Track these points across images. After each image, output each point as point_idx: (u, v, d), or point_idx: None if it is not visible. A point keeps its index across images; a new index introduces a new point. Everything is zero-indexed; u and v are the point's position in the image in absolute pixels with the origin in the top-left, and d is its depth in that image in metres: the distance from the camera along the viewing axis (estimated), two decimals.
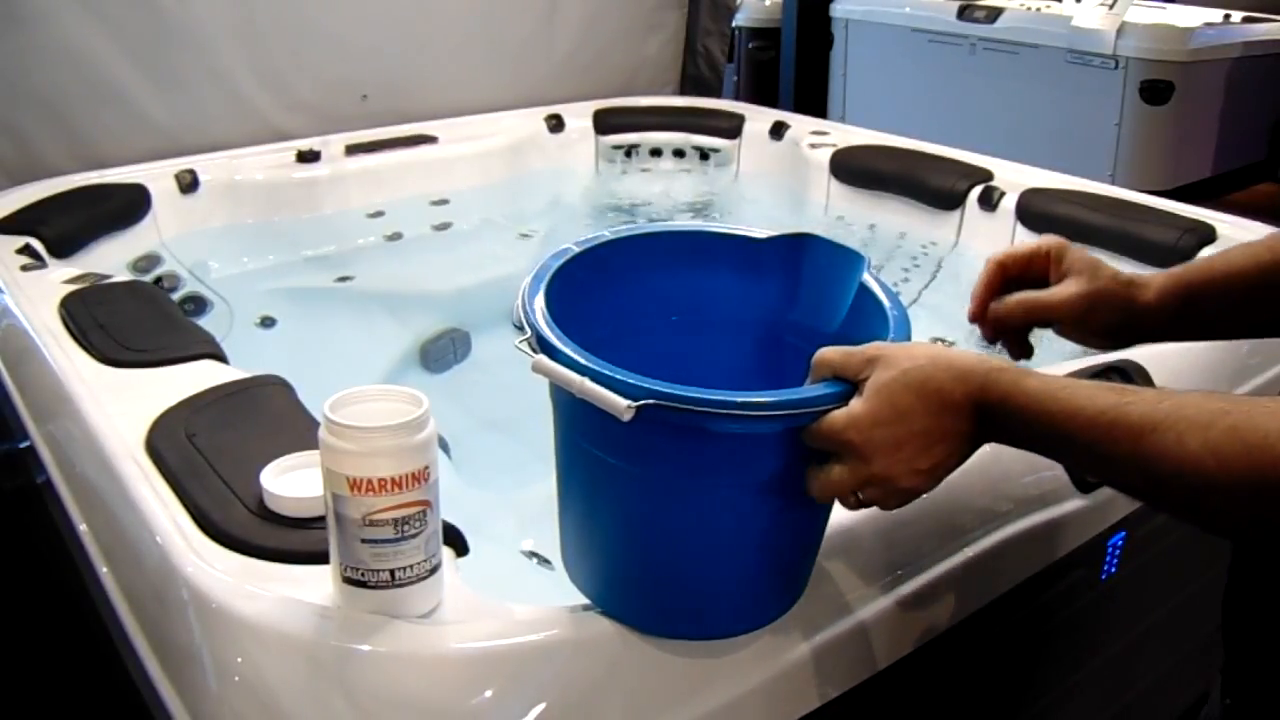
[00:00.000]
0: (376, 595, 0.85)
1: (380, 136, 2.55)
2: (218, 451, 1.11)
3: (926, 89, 4.37)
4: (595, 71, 2.97)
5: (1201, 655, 0.91)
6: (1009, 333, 1.01)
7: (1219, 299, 0.94)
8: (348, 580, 0.86)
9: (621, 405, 0.76)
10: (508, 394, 1.86)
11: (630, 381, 0.77)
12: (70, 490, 1.29)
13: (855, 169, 2.52)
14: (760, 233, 1.03)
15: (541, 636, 0.88)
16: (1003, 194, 2.21)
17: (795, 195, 2.65)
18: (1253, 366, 1.50)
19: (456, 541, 0.98)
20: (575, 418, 0.85)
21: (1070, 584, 1.23)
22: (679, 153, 2.87)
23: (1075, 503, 1.19)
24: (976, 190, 2.27)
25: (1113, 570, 1.29)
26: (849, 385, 0.81)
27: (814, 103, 4.66)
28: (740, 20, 4.89)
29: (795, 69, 4.73)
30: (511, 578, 1.33)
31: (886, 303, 0.92)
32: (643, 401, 0.76)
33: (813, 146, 2.63)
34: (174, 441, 1.14)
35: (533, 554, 1.40)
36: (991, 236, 2.20)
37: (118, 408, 1.24)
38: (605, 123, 2.86)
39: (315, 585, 0.90)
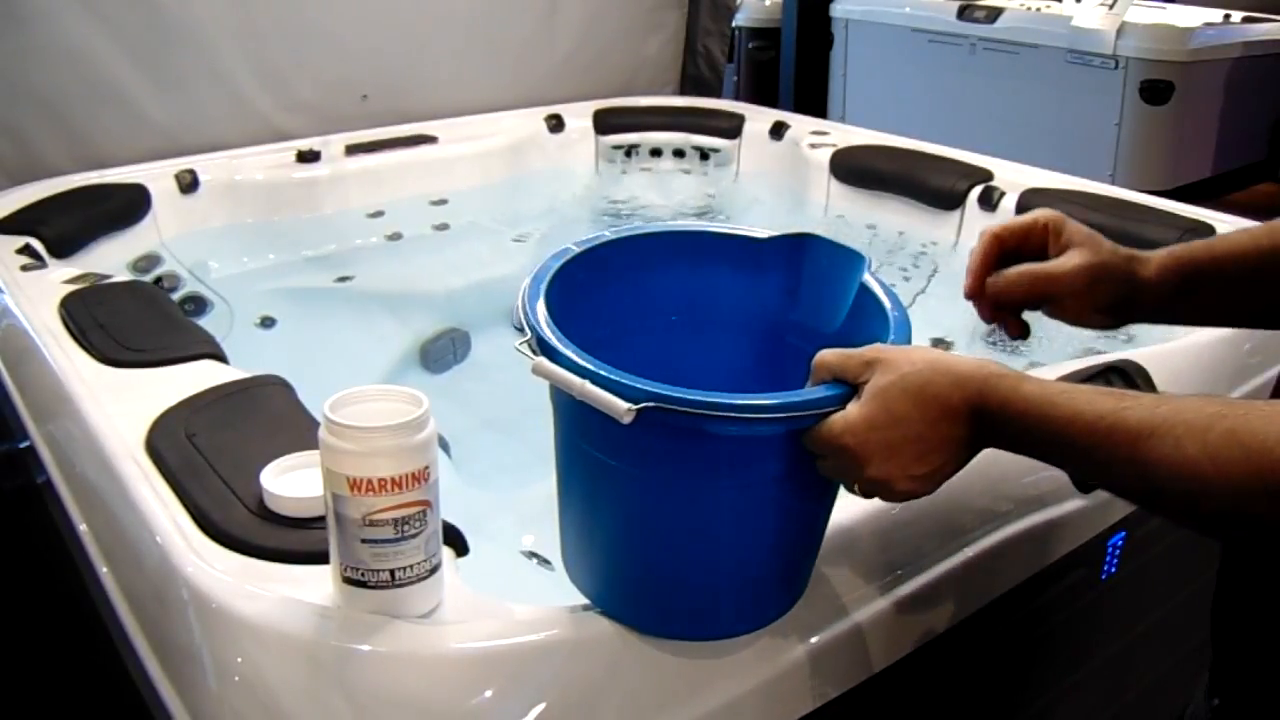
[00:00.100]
0: (376, 595, 0.85)
1: (380, 136, 2.55)
2: (218, 451, 1.11)
3: (926, 89, 4.36)
4: (595, 71, 2.97)
5: (1201, 655, 0.92)
6: (1007, 310, 0.98)
7: (1218, 279, 0.93)
8: (348, 580, 0.86)
9: (622, 408, 0.76)
10: (507, 394, 1.86)
11: (630, 384, 0.77)
12: (70, 490, 1.29)
13: (855, 169, 2.52)
14: (760, 233, 1.03)
15: (541, 636, 0.88)
16: (1003, 194, 2.21)
17: (795, 195, 2.65)
18: (1253, 366, 1.50)
19: (456, 541, 0.98)
20: (575, 419, 0.85)
21: (1070, 584, 1.23)
22: (679, 153, 2.87)
23: (1075, 503, 1.19)
24: (976, 190, 2.27)
25: (1113, 570, 1.29)
26: (849, 388, 0.81)
27: (814, 103, 4.66)
28: (740, 20, 4.89)
29: (795, 69, 4.73)
30: (511, 578, 1.34)
31: (887, 304, 0.92)
32: (643, 404, 0.76)
33: (813, 146, 2.63)
34: (174, 441, 1.14)
35: (533, 554, 1.40)
36: None
37: (118, 408, 1.24)
38: (605, 123, 2.86)
39: (315, 585, 0.90)
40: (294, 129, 2.48)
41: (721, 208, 2.75)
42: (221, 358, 1.40)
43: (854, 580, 1.01)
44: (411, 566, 0.85)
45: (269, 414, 1.21)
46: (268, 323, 2.10)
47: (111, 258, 2.00)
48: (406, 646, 0.85)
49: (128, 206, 2.13)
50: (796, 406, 0.79)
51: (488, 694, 0.84)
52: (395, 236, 2.48)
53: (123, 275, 1.86)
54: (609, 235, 1.00)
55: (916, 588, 1.04)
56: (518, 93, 2.82)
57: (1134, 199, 2.05)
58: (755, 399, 0.78)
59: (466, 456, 1.72)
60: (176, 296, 2.04)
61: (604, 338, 0.86)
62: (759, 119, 2.83)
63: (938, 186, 2.34)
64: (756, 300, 1.03)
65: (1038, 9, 4.13)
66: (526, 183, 2.73)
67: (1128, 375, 1.29)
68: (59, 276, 1.67)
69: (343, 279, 2.31)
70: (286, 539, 0.97)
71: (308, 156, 2.43)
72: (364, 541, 0.83)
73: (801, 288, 1.01)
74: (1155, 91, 3.73)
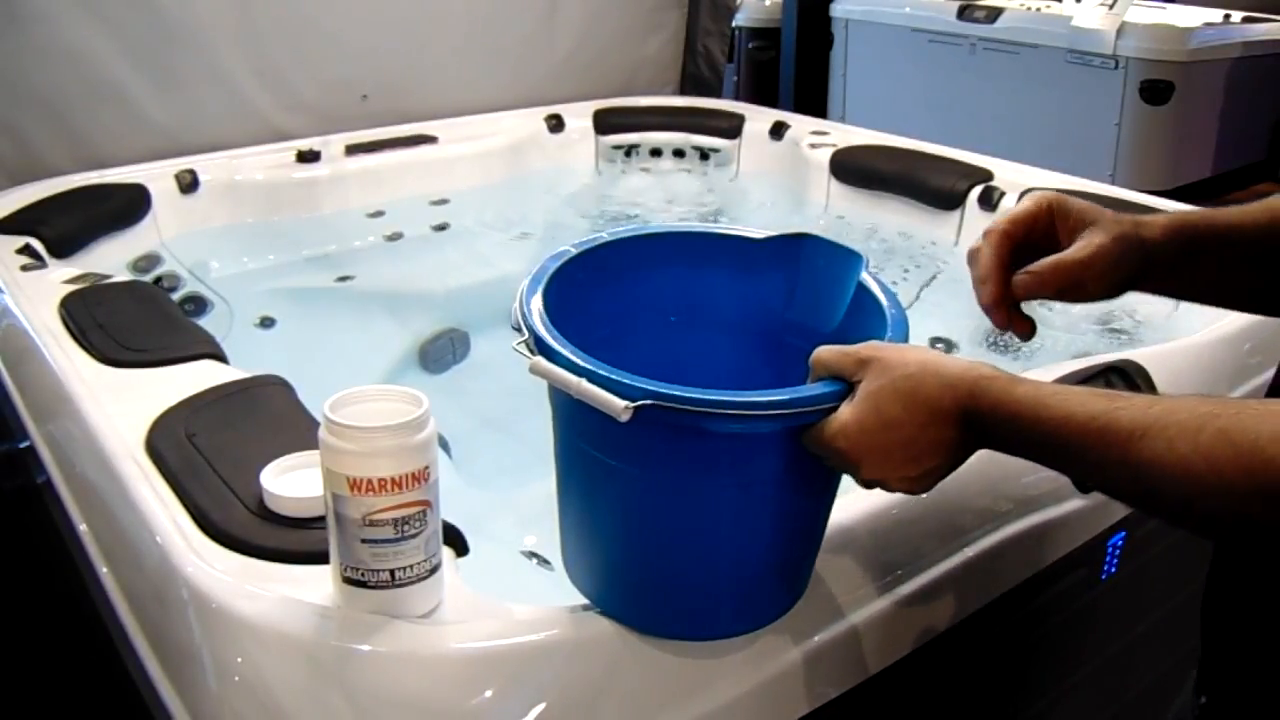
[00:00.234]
0: (376, 595, 0.85)
1: (380, 136, 2.55)
2: (218, 451, 1.11)
3: (926, 89, 4.36)
4: (595, 71, 2.97)
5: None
6: (1019, 311, 0.92)
7: (1217, 247, 0.91)
8: (348, 580, 0.86)
9: (619, 406, 0.76)
10: (507, 394, 1.86)
11: (627, 382, 0.77)
12: (70, 490, 1.29)
13: (855, 169, 2.52)
14: (758, 233, 1.03)
15: (541, 636, 0.88)
16: (1003, 194, 2.21)
17: (795, 195, 2.65)
18: (1253, 366, 1.50)
19: (456, 541, 0.98)
20: (573, 419, 0.85)
21: (1070, 584, 1.23)
22: (679, 153, 2.87)
23: (1075, 503, 1.19)
24: (976, 190, 2.27)
25: (1113, 570, 1.29)
26: (845, 385, 0.81)
27: (814, 103, 4.66)
28: (740, 20, 4.89)
29: (795, 69, 4.72)
30: (511, 578, 1.34)
31: (885, 302, 0.92)
32: (640, 402, 0.76)
33: (813, 146, 2.63)
34: (174, 441, 1.14)
35: (533, 554, 1.40)
36: None
37: (118, 408, 1.24)
38: (605, 123, 2.86)
39: (315, 585, 0.90)
40: (294, 129, 2.48)
41: (721, 208, 2.75)
42: (221, 358, 1.40)
43: (853, 580, 1.01)
44: (411, 566, 0.85)
45: (269, 414, 1.21)
46: (267, 323, 2.10)
47: (111, 258, 2.00)
48: (406, 646, 0.85)
49: (128, 206, 2.13)
50: (792, 404, 0.80)
51: (488, 694, 0.84)
52: (395, 236, 2.48)
53: (123, 275, 1.86)
54: (606, 237, 1.01)
55: (916, 588, 1.04)
56: (518, 93, 2.82)
57: (1134, 199, 2.05)
58: (751, 396, 0.78)
59: (466, 456, 1.72)
60: (176, 296, 2.04)
61: (602, 339, 0.86)
62: (759, 119, 2.83)
63: (938, 186, 2.34)
64: (755, 300, 1.03)
65: (1038, 9, 4.13)
66: (526, 183, 2.72)
67: (1128, 375, 1.28)
68: (59, 276, 1.67)
69: (343, 279, 2.31)
70: (286, 539, 0.97)
71: (308, 156, 2.43)
72: (364, 541, 0.83)
73: (799, 287, 1.01)
74: (1155, 91, 3.73)
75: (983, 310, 0.90)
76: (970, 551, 1.09)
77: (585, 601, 0.92)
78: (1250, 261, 0.90)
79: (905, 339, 0.87)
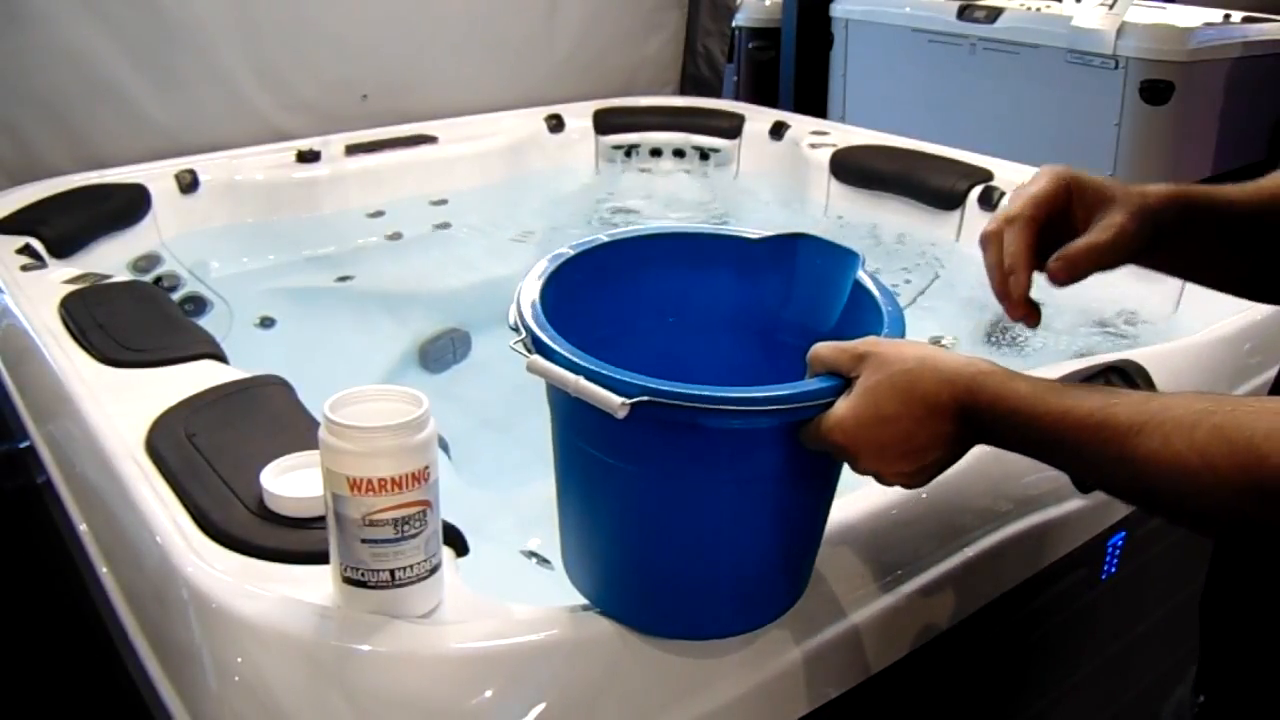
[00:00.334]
0: (376, 595, 0.85)
1: (380, 136, 2.55)
2: (218, 451, 1.11)
3: (926, 89, 4.36)
4: (595, 71, 2.97)
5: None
6: (1030, 299, 0.86)
7: (1212, 219, 0.89)
8: (348, 580, 0.86)
9: (616, 402, 0.76)
10: (507, 394, 1.86)
11: (624, 379, 0.77)
12: (70, 490, 1.29)
13: (855, 169, 2.52)
14: (755, 233, 1.03)
15: (541, 636, 0.88)
16: (1003, 194, 2.21)
17: (795, 195, 2.65)
18: (1252, 366, 1.50)
19: (456, 541, 0.98)
20: (571, 418, 0.86)
21: (1070, 584, 1.23)
22: (679, 153, 2.87)
23: (1075, 503, 1.19)
24: (976, 190, 2.27)
25: (1113, 570, 1.29)
26: (842, 380, 0.81)
27: (814, 103, 4.65)
28: (740, 20, 4.89)
29: (795, 69, 4.72)
30: (511, 578, 1.33)
31: (881, 299, 0.92)
32: (637, 398, 0.76)
33: (813, 146, 2.63)
34: (174, 441, 1.14)
35: (533, 554, 1.40)
36: None
37: (118, 408, 1.24)
38: (605, 123, 2.86)
39: (315, 585, 0.90)
40: (294, 129, 2.48)
41: (721, 208, 2.75)
42: (221, 358, 1.40)
43: (853, 580, 1.01)
44: (411, 566, 0.85)
45: (269, 414, 1.21)
46: (267, 323, 2.10)
47: (111, 258, 2.00)
48: (406, 646, 0.85)
49: (128, 206, 2.13)
50: (789, 399, 0.80)
51: (488, 694, 0.84)
52: (395, 236, 2.48)
53: (123, 275, 1.87)
54: (604, 238, 1.01)
55: (916, 588, 1.04)
56: (518, 93, 2.82)
57: None
58: (748, 391, 0.78)
59: (466, 456, 1.72)
60: (176, 296, 2.04)
61: (600, 340, 0.86)
62: (759, 119, 2.83)
63: (938, 186, 2.34)
64: (752, 300, 1.03)
65: (1038, 9, 4.13)
66: (526, 183, 2.72)
67: (1128, 375, 1.28)
68: (59, 276, 1.67)
69: (342, 279, 2.31)
70: (286, 539, 0.97)
71: (308, 156, 2.43)
72: (364, 541, 0.83)
73: (796, 286, 1.01)
74: (1155, 91, 3.72)
75: (1002, 298, 0.85)
76: (970, 551, 1.09)
77: (585, 601, 0.92)
78: (1240, 236, 0.89)
79: (902, 334, 0.87)
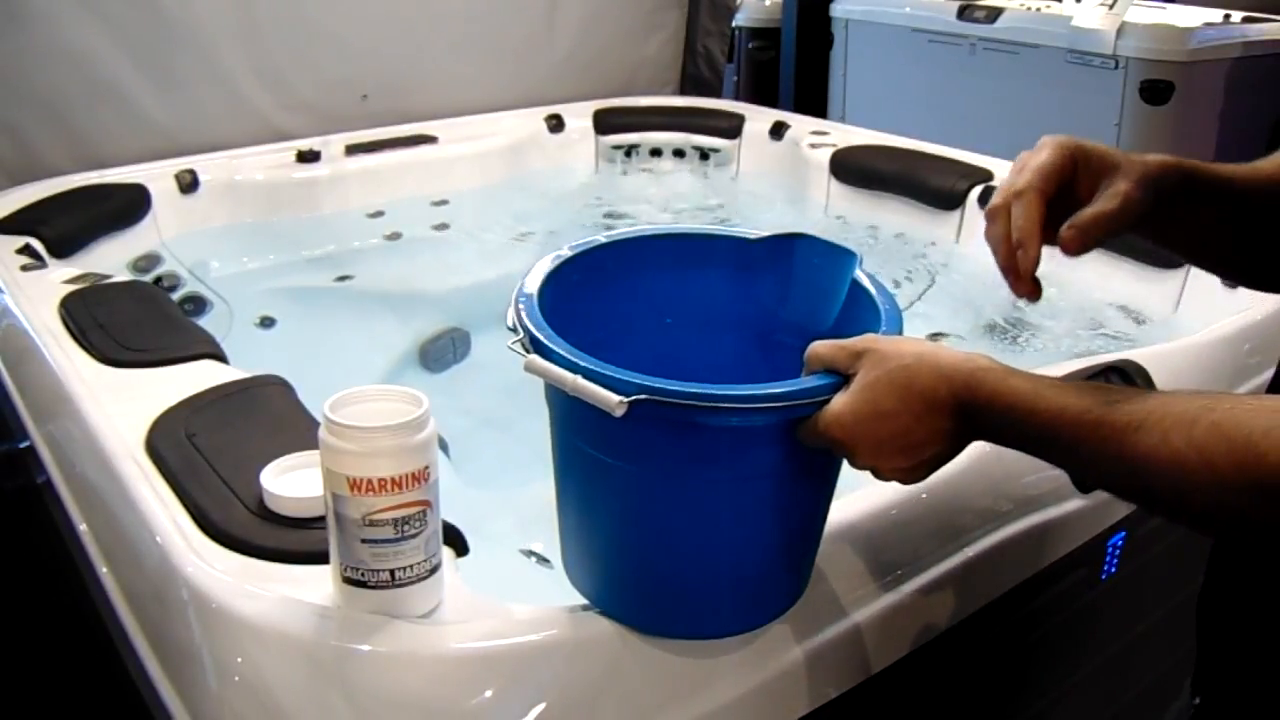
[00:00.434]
0: (376, 595, 0.85)
1: (380, 136, 2.55)
2: (218, 451, 1.11)
3: (926, 89, 4.36)
4: (595, 71, 2.97)
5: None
6: (1035, 277, 0.85)
7: (1209, 191, 0.88)
8: (348, 580, 0.86)
9: (613, 401, 0.76)
10: (507, 394, 1.86)
11: (622, 377, 0.77)
12: (70, 490, 1.29)
13: (855, 169, 2.52)
14: (752, 233, 1.03)
15: (541, 636, 0.88)
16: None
17: (795, 195, 2.65)
18: (1252, 366, 1.50)
19: (456, 541, 0.98)
20: (570, 417, 0.86)
21: (1070, 584, 1.23)
22: (679, 153, 2.87)
23: (1075, 503, 1.19)
24: (976, 190, 2.27)
25: (1113, 570, 1.29)
26: (839, 378, 0.81)
27: (814, 103, 4.65)
28: (740, 20, 4.89)
29: (795, 69, 4.72)
30: (511, 578, 1.33)
31: (878, 297, 0.92)
32: (634, 396, 0.76)
33: (813, 146, 2.63)
34: (174, 441, 1.14)
35: (532, 554, 1.40)
36: None
37: (118, 408, 1.24)
38: (605, 123, 2.86)
39: (315, 585, 0.90)
40: (294, 129, 2.48)
41: (721, 208, 2.75)
42: (221, 358, 1.40)
43: (854, 580, 1.01)
44: (411, 566, 0.85)
45: (269, 414, 1.21)
46: (267, 323, 2.10)
47: (111, 258, 2.00)
48: (406, 646, 0.85)
49: (128, 206, 2.13)
50: (786, 396, 0.80)
51: (488, 694, 0.84)
52: (395, 236, 2.48)
53: (123, 275, 1.87)
54: (601, 239, 1.01)
55: (916, 588, 1.04)
56: (518, 93, 2.82)
57: None
58: (745, 389, 0.78)
59: (466, 456, 1.72)
60: (176, 296, 2.04)
61: (598, 340, 0.86)
62: (759, 119, 2.83)
63: (938, 186, 2.34)
64: (750, 301, 1.03)
65: (1038, 9, 4.13)
66: (526, 183, 2.72)
67: (1127, 375, 1.29)
68: (59, 276, 1.67)
69: (343, 279, 2.31)
70: (286, 539, 0.97)
71: (308, 156, 2.43)
72: (364, 541, 0.83)
73: (794, 286, 1.01)
74: (1155, 91, 3.72)
75: (1008, 273, 0.83)
76: (970, 551, 1.09)
77: (585, 601, 0.92)
78: (1244, 215, 0.89)
79: (899, 331, 0.87)
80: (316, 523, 0.94)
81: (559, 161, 2.81)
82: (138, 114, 2.27)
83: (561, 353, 0.80)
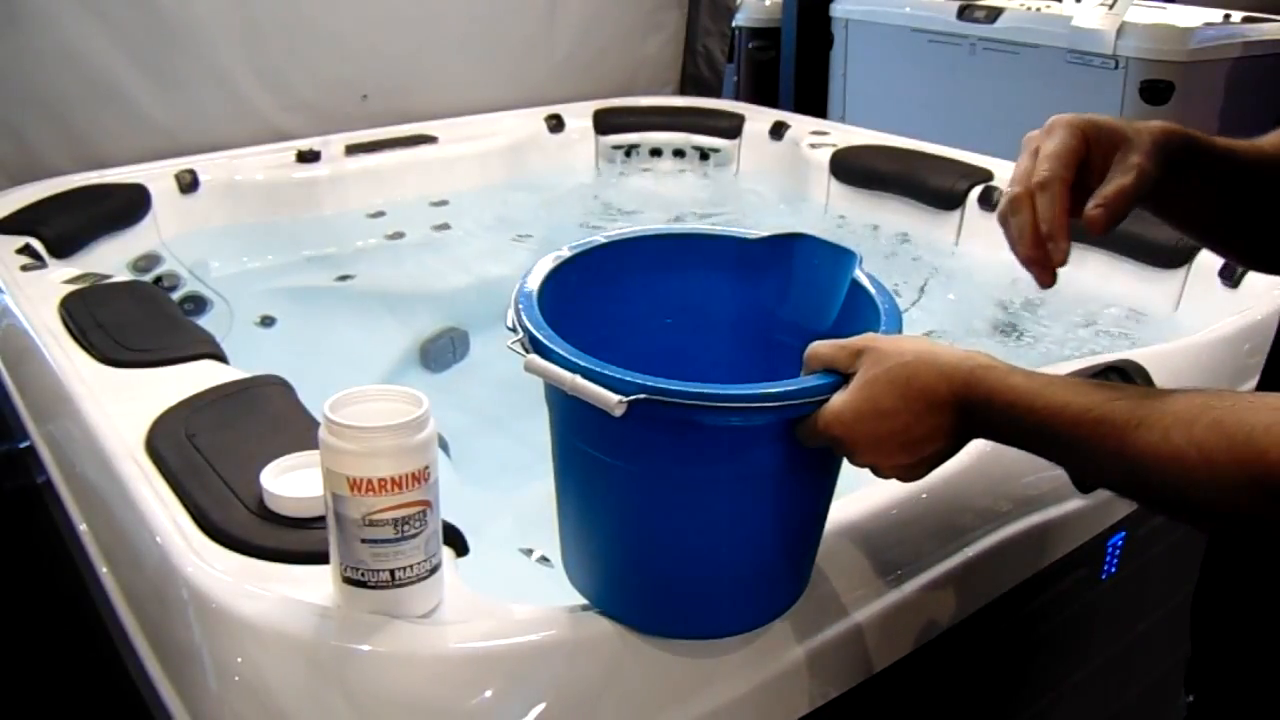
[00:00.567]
0: (376, 595, 0.85)
1: (380, 136, 2.55)
2: (218, 451, 1.11)
3: (926, 89, 4.36)
4: (595, 71, 2.97)
5: None
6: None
7: (1208, 162, 0.86)
8: (348, 580, 0.86)
9: (612, 400, 0.76)
10: (507, 393, 1.86)
11: (621, 377, 0.77)
12: (70, 490, 1.29)
13: (855, 169, 2.52)
14: (752, 233, 1.03)
15: (541, 636, 0.88)
16: (1002, 194, 2.21)
17: (795, 195, 2.65)
18: (1252, 366, 1.50)
19: (456, 541, 0.98)
20: (569, 417, 0.86)
21: (1070, 584, 1.23)
22: (679, 153, 2.87)
23: (1075, 503, 1.19)
24: (976, 190, 2.27)
25: (1113, 570, 1.29)
26: (839, 377, 0.81)
27: (814, 103, 4.65)
28: (740, 20, 4.89)
29: (795, 69, 4.72)
30: (511, 578, 1.33)
31: (878, 297, 0.92)
32: (634, 396, 0.76)
33: (813, 146, 2.63)
34: (174, 441, 1.14)
35: (532, 553, 1.40)
36: (991, 237, 2.20)
37: (118, 408, 1.24)
38: (605, 123, 2.86)
39: (315, 585, 0.90)
40: (294, 129, 2.48)
41: (721, 208, 2.75)
42: (221, 358, 1.40)
43: (854, 580, 1.01)
44: (411, 566, 0.85)
45: (269, 414, 1.21)
46: (268, 322, 2.10)
47: (111, 258, 2.00)
48: (406, 646, 0.85)
49: (128, 206, 2.13)
50: (786, 395, 0.80)
51: (488, 694, 0.84)
52: (395, 236, 2.48)
53: (123, 275, 1.87)
54: (601, 239, 1.01)
55: (917, 587, 1.04)
56: (518, 93, 2.82)
57: None
58: (745, 389, 0.78)
59: (466, 456, 1.72)
60: (176, 296, 2.04)
61: (598, 341, 0.86)
62: (759, 119, 2.83)
63: (938, 186, 2.34)
64: (750, 301, 1.03)
65: (1038, 9, 4.13)
66: (526, 183, 2.72)
67: (1127, 375, 1.29)
68: (59, 276, 1.67)
69: (343, 278, 2.31)
70: (286, 539, 0.97)
71: (308, 156, 2.43)
72: (364, 541, 0.83)
73: (794, 286, 1.01)
74: (1155, 91, 3.72)
75: (1033, 264, 0.81)
76: (970, 551, 1.09)
77: (585, 601, 0.92)
78: (1241, 190, 0.87)
79: (899, 330, 0.87)
80: (316, 523, 0.94)
81: (559, 161, 2.81)
82: (138, 114, 2.27)
83: (561, 352, 0.80)
